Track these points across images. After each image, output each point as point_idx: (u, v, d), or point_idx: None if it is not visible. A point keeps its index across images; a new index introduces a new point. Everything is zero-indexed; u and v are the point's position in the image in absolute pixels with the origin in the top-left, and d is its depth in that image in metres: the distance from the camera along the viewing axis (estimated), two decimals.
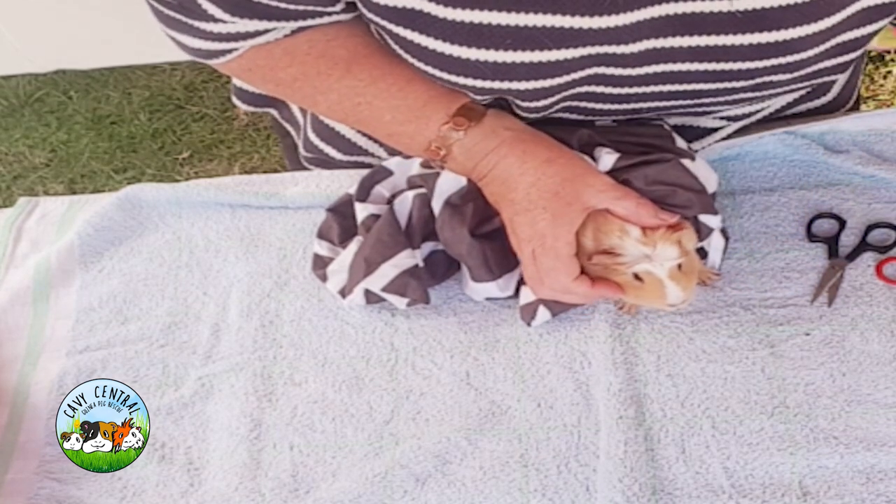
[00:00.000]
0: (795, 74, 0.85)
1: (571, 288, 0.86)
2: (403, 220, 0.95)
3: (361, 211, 0.97)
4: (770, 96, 0.93)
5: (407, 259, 0.93)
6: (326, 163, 1.11)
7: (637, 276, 0.84)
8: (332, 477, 0.89)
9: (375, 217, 0.96)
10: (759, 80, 0.85)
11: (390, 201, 0.97)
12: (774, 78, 0.84)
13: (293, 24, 0.86)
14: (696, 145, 0.99)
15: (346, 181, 1.05)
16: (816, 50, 0.81)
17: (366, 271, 0.93)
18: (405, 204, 0.95)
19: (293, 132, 1.18)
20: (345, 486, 0.87)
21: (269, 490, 0.88)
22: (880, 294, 0.92)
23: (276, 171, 1.16)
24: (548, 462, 0.87)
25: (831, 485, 0.83)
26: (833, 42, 0.81)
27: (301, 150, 1.14)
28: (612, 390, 0.88)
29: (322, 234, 1.00)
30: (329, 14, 0.85)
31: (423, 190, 0.95)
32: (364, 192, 0.98)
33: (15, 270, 1.06)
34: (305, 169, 1.15)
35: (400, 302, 0.94)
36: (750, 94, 0.89)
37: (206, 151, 2.27)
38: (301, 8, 0.83)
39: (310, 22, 0.86)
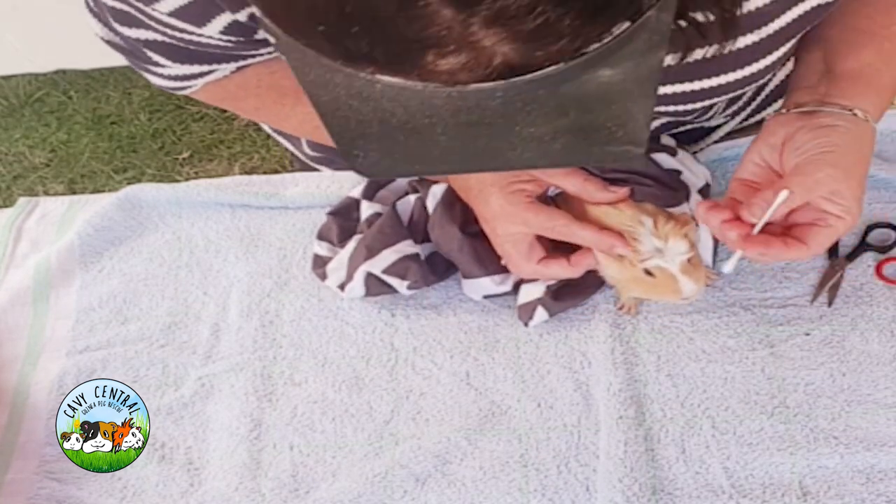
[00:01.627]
0: (759, 88, 0.84)
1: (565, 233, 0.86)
2: (405, 219, 0.96)
3: (367, 209, 0.98)
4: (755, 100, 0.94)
5: (408, 247, 0.94)
6: (333, 161, 1.11)
7: (648, 272, 0.84)
8: (332, 477, 0.89)
9: (379, 215, 0.97)
10: (727, 99, 0.84)
11: (394, 204, 0.97)
12: (741, 94, 0.84)
13: (232, 65, 0.88)
14: (696, 146, 0.99)
15: (346, 182, 1.05)
16: (757, 84, 0.81)
17: (367, 256, 0.94)
18: (407, 205, 0.96)
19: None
20: (345, 486, 0.87)
21: (269, 490, 0.88)
22: (880, 294, 0.92)
23: (276, 171, 1.17)
24: (548, 462, 0.87)
25: (831, 485, 0.83)
26: (772, 84, 0.81)
27: (306, 150, 1.14)
28: (612, 390, 0.88)
29: (322, 236, 1.01)
30: (262, 55, 0.86)
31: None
32: (371, 193, 1.00)
33: (15, 270, 1.06)
34: (309, 168, 1.15)
35: (401, 285, 0.94)
36: (727, 107, 0.89)
37: (206, 151, 2.27)
38: (233, 53, 0.84)
39: (249, 62, 0.88)
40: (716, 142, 1.01)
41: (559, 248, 0.89)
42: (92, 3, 0.85)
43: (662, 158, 0.89)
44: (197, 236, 1.06)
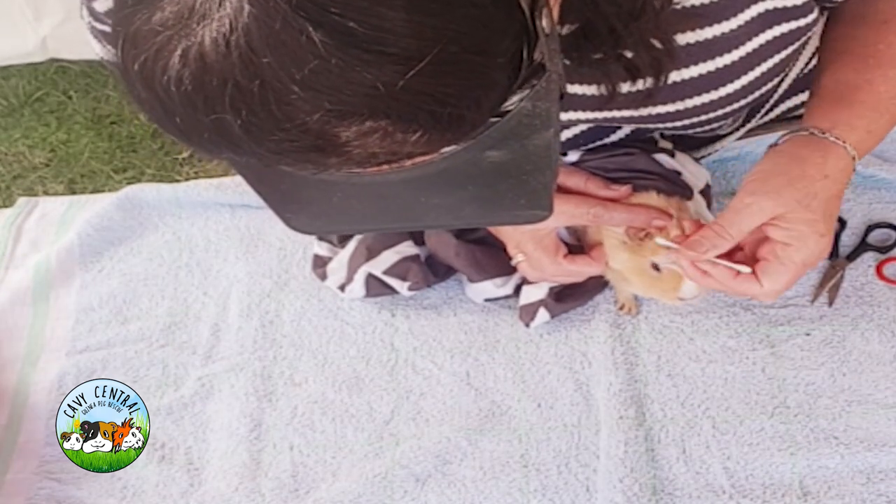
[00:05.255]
0: (760, 104, 0.84)
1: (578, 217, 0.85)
2: None
3: None
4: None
5: (408, 248, 0.94)
6: None
7: (655, 267, 0.83)
8: (332, 477, 0.89)
9: None
10: (722, 114, 0.84)
11: None
12: (738, 108, 0.84)
13: None
14: (699, 153, 0.99)
15: None
16: (737, 104, 0.81)
17: (367, 256, 0.94)
18: None
19: None
20: (345, 486, 0.87)
21: (269, 490, 0.88)
22: (881, 294, 0.92)
23: None
24: (548, 462, 0.87)
25: (832, 485, 0.82)
26: (744, 101, 0.81)
27: None
28: (613, 390, 0.88)
29: (322, 236, 1.01)
30: None
31: None
32: None
33: (15, 270, 1.06)
34: None
35: (401, 286, 0.94)
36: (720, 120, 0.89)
37: None
38: None
39: None
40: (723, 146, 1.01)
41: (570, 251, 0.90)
42: (91, 28, 0.83)
43: (662, 159, 0.89)
44: (197, 236, 1.06)
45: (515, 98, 0.49)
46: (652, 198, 0.83)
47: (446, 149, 0.49)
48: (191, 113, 0.45)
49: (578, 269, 0.88)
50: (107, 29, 0.81)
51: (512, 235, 0.89)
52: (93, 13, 0.78)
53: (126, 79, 0.47)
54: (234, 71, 0.42)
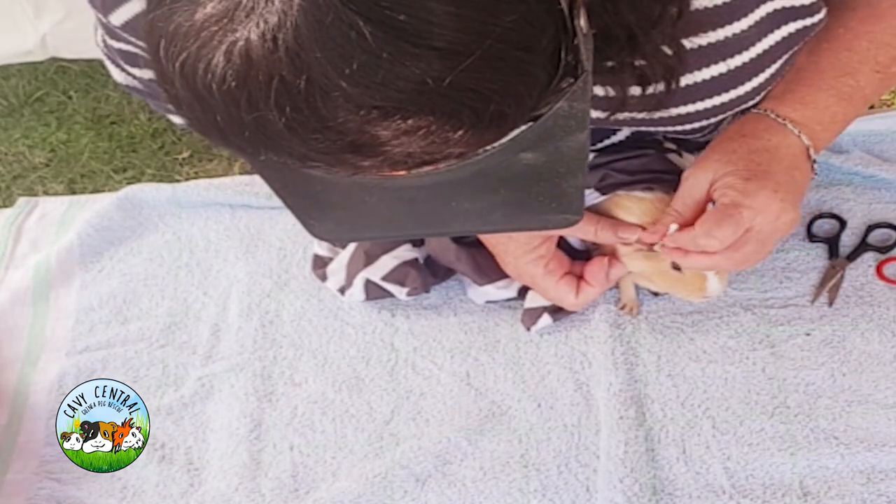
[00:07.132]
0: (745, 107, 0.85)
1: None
2: None
3: None
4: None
5: (407, 252, 0.94)
6: None
7: (676, 267, 0.83)
8: (332, 477, 0.89)
9: None
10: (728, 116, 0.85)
11: None
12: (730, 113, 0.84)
13: None
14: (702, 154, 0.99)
15: None
16: (744, 106, 0.81)
17: (366, 262, 0.94)
18: None
19: None
20: (345, 486, 0.87)
21: (269, 490, 0.88)
22: (881, 294, 0.92)
23: None
24: (548, 462, 0.87)
25: (832, 485, 0.82)
26: (751, 102, 0.81)
27: None
28: (613, 391, 0.88)
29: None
30: None
31: None
32: None
33: (15, 270, 1.06)
34: None
35: (400, 292, 0.94)
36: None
37: (206, 151, 2.27)
38: None
39: None
40: None
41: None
42: (105, 49, 0.83)
43: (674, 159, 0.89)
44: (197, 236, 1.06)
45: (550, 99, 0.49)
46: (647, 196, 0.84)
47: (482, 150, 0.48)
48: (233, 111, 0.44)
49: (559, 294, 0.88)
50: (124, 47, 0.80)
51: (502, 244, 0.89)
52: (109, 30, 0.76)
53: (164, 77, 0.46)
54: (281, 67, 0.42)
